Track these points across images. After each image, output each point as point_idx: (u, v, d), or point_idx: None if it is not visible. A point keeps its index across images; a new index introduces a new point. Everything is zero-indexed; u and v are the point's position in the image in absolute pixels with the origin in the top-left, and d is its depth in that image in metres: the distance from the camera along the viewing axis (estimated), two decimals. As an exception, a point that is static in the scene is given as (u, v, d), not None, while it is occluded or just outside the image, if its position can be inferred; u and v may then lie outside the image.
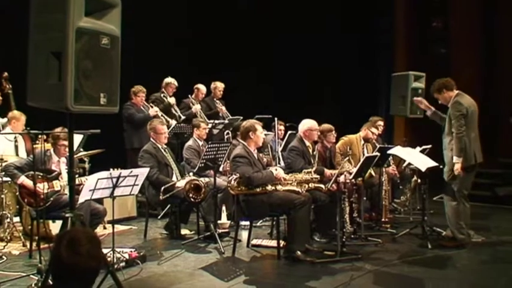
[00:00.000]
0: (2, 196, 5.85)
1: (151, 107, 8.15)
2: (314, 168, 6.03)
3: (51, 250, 2.32)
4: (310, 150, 6.37)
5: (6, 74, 6.91)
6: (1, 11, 7.15)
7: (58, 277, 2.24)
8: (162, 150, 6.42)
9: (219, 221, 6.53)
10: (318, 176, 5.85)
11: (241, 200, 5.49)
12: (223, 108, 9.05)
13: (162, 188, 5.93)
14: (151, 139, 6.47)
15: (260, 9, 10.79)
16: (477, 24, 11.23)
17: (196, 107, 8.64)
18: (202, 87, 8.93)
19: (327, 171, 6.23)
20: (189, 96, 8.85)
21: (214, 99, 9.12)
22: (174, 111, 8.49)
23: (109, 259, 4.69)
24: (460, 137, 5.77)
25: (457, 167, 5.76)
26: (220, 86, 9.13)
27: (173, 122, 8.08)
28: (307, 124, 6.38)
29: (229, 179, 5.47)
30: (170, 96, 8.56)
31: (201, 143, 7.23)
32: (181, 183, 6.00)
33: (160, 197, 5.92)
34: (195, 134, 7.32)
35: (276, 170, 5.59)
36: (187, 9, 10.08)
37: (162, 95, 8.54)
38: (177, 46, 9.75)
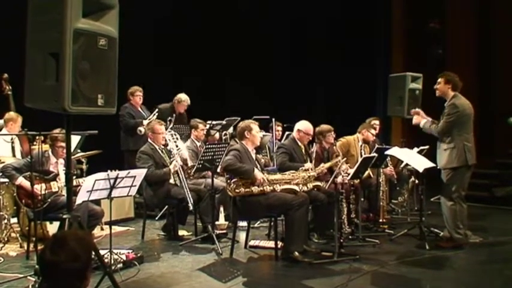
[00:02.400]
0: (0, 197, 5.84)
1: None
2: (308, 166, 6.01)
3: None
4: (303, 150, 6.37)
5: (6, 75, 6.90)
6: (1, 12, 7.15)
7: (43, 275, 2.25)
8: (160, 151, 6.42)
9: (216, 222, 6.53)
10: (315, 173, 5.84)
11: (237, 200, 5.49)
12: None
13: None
14: (149, 140, 6.46)
15: (259, 11, 10.79)
16: (473, 25, 11.27)
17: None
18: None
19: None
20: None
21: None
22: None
23: (106, 260, 4.68)
24: (438, 133, 5.94)
25: (416, 119, 6.27)
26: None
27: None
28: (301, 126, 6.37)
29: (228, 181, 5.47)
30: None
31: (198, 144, 7.22)
32: (171, 166, 6.18)
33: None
34: (193, 134, 7.31)
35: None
36: (187, 9, 10.07)
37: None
38: (175, 46, 9.75)
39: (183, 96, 8.21)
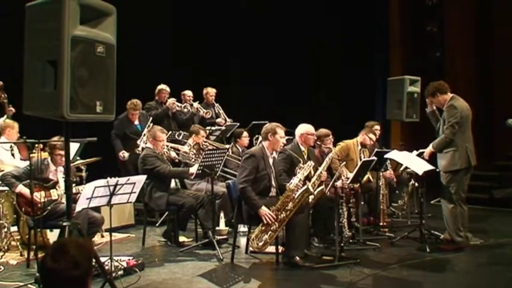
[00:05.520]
0: (0, 205, 5.84)
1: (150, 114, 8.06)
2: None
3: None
4: (305, 156, 6.34)
5: (1, 83, 6.91)
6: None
7: (44, 283, 2.25)
8: (159, 155, 6.42)
9: (217, 228, 6.53)
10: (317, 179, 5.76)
11: (243, 204, 5.46)
12: (221, 112, 8.94)
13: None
14: (150, 145, 6.45)
15: (260, 9, 10.80)
16: (471, 28, 11.29)
17: (195, 104, 8.57)
18: (187, 92, 8.78)
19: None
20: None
21: (209, 105, 9.00)
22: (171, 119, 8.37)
23: (107, 267, 4.67)
24: (447, 141, 5.87)
25: (427, 151, 6.11)
26: (211, 91, 8.98)
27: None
28: (303, 128, 6.36)
29: (252, 243, 5.36)
30: (164, 103, 8.41)
31: (195, 149, 7.21)
32: (193, 169, 6.14)
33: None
34: (192, 139, 7.26)
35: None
36: (187, 9, 10.07)
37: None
38: (174, 50, 9.76)
39: (161, 86, 8.54)
